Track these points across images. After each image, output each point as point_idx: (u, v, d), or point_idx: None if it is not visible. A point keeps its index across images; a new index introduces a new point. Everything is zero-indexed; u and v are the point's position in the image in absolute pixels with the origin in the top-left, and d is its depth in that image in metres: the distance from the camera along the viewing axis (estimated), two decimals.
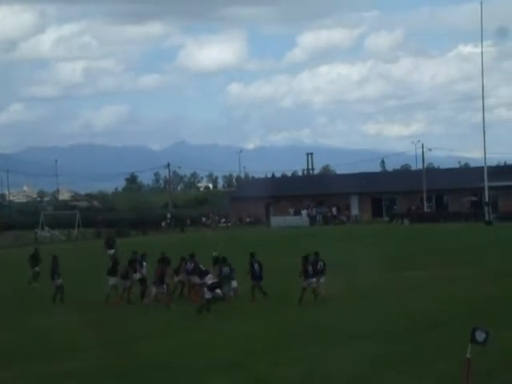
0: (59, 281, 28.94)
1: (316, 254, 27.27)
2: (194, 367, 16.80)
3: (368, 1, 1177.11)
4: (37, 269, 35.11)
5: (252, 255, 27.50)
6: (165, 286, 26.74)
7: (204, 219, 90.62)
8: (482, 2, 71.79)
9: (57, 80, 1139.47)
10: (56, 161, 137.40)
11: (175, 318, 24.13)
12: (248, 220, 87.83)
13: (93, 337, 21.33)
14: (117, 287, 28.06)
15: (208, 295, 24.61)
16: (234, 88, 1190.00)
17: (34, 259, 35.94)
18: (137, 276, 27.95)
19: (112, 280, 27.94)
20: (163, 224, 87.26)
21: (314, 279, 25.56)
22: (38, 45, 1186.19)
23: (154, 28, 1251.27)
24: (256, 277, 26.76)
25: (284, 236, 61.66)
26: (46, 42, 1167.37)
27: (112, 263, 28.79)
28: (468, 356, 11.43)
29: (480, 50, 72.98)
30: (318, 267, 26.50)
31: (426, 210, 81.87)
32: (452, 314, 21.90)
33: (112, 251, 40.55)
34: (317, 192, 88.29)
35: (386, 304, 24.76)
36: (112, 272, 28.24)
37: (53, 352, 19.45)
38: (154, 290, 26.68)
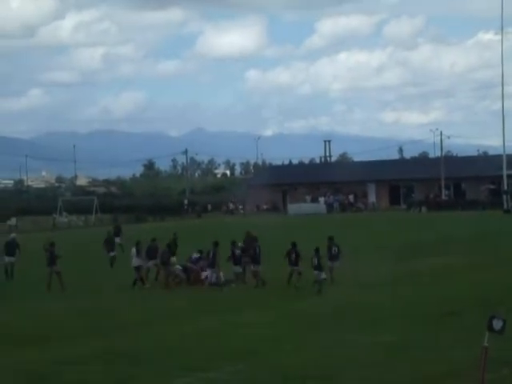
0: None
1: (330, 238, 27.42)
2: (208, 352, 16.78)
3: None
4: (112, 253, 35.32)
5: (232, 243, 27.97)
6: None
7: (231, 205, 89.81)
8: None
9: (76, 66, 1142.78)
10: (74, 146, 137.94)
11: (187, 304, 24.13)
12: (265, 207, 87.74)
13: (106, 320, 21.40)
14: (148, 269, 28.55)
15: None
16: (253, 74, 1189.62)
17: (109, 243, 36.02)
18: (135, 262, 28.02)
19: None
20: (185, 205, 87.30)
21: (321, 271, 25.08)
22: (57, 31, 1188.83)
23: (173, 14, 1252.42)
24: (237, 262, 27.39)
25: (301, 223, 61.51)
26: (65, 27, 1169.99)
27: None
28: (485, 344, 11.32)
29: (500, 37, 72.39)
30: (333, 252, 26.71)
31: (443, 197, 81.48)
32: (469, 302, 21.74)
33: (118, 239, 40.77)
34: (334, 179, 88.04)
35: (402, 291, 24.64)
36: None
37: (63, 335, 19.49)
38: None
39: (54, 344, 18.40)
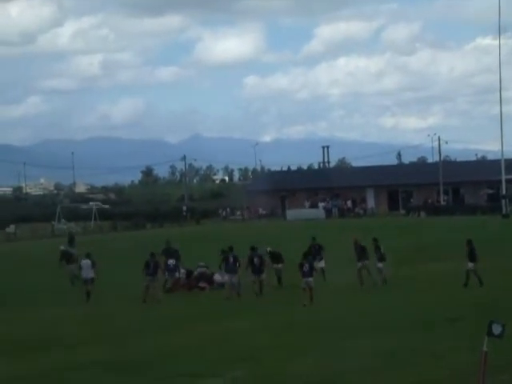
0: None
1: (375, 240, 28.57)
2: (206, 359, 16.76)
3: None
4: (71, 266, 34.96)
5: (252, 249, 27.35)
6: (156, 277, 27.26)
7: (221, 211, 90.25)
8: None
9: (75, 73, 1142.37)
10: (72, 153, 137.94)
11: (183, 311, 24.13)
12: (263, 213, 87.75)
13: (105, 328, 21.39)
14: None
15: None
16: (251, 81, 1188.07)
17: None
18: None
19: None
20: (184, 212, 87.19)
21: (311, 278, 24.38)
22: (56, 38, 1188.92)
23: (172, 21, 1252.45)
24: (256, 271, 26.65)
25: (301, 228, 61.49)
26: (64, 34, 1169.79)
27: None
28: (485, 349, 11.31)
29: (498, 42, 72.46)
30: (382, 252, 27.70)
31: (442, 202, 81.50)
32: (469, 307, 21.74)
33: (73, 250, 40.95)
34: (332, 185, 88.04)
35: (402, 296, 24.67)
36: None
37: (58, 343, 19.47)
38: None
39: (54, 351, 18.40)
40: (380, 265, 27.90)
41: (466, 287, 25.96)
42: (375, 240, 28.69)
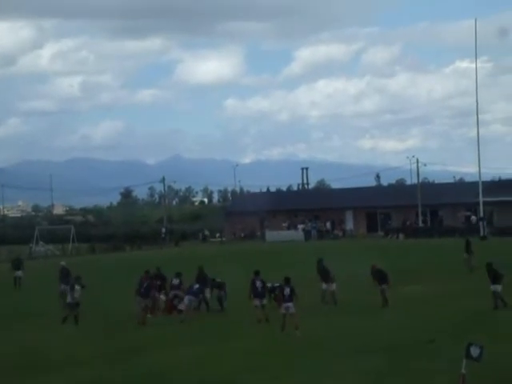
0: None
1: (320, 260, 29.81)
2: (189, 382, 16.72)
3: (365, 16, 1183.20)
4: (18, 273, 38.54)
5: (256, 273, 26.85)
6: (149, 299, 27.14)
7: (200, 234, 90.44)
8: (476, 19, 72.53)
9: (54, 94, 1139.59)
10: (51, 175, 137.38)
11: (168, 332, 24.06)
12: (243, 235, 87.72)
13: (88, 350, 21.28)
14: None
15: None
16: (231, 102, 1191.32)
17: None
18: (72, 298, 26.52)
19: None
20: (163, 234, 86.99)
21: (291, 303, 23.25)
22: (36, 60, 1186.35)
23: (152, 43, 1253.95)
24: (259, 295, 25.94)
25: (279, 250, 61.55)
26: (44, 56, 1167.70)
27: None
28: (463, 371, 11.40)
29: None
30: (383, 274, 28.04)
31: (420, 224, 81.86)
32: (449, 329, 21.87)
33: (19, 272, 41.43)
34: (312, 207, 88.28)
35: (383, 318, 24.73)
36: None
37: (50, 365, 19.34)
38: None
39: (41, 374, 18.30)
40: (333, 286, 28.69)
41: (447, 309, 26.09)
42: (320, 260, 29.98)
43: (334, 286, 29.07)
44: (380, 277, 28.15)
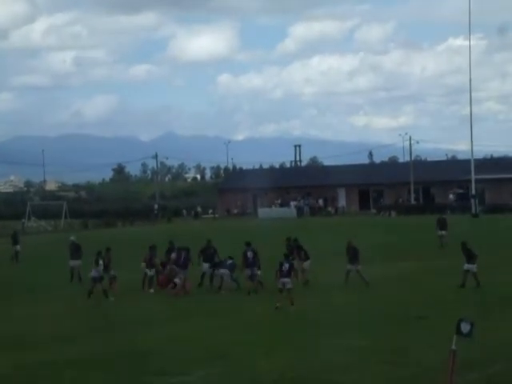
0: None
1: (295, 240, 28.68)
2: (181, 357, 16.82)
3: None
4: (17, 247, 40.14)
5: (247, 244, 27.44)
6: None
7: (188, 210, 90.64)
8: None
9: (47, 69, 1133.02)
10: (43, 151, 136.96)
11: (161, 308, 24.13)
12: (235, 211, 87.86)
13: (78, 325, 21.36)
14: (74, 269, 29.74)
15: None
16: (225, 79, 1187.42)
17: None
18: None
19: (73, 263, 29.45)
20: (155, 210, 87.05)
21: (288, 279, 23.35)
22: (28, 34, 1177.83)
23: (146, 18, 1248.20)
24: (250, 264, 26.52)
25: (272, 227, 61.69)
26: (37, 31, 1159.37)
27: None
28: (453, 347, 11.48)
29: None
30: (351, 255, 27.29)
31: (412, 202, 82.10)
32: (439, 306, 22.00)
33: (18, 247, 41.72)
34: (304, 184, 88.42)
35: (374, 294, 24.86)
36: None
37: (38, 341, 19.42)
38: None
39: (29, 349, 18.36)
40: (305, 264, 27.77)
41: (438, 285, 26.23)
42: (295, 240, 28.68)
43: (306, 265, 27.97)
44: (353, 255, 27.37)
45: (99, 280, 26.26)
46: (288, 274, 23.35)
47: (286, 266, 23.50)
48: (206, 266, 28.20)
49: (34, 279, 32.82)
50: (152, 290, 27.43)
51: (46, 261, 39.59)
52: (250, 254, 26.66)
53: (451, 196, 78.16)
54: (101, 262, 26.42)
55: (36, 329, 21.35)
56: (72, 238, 33.03)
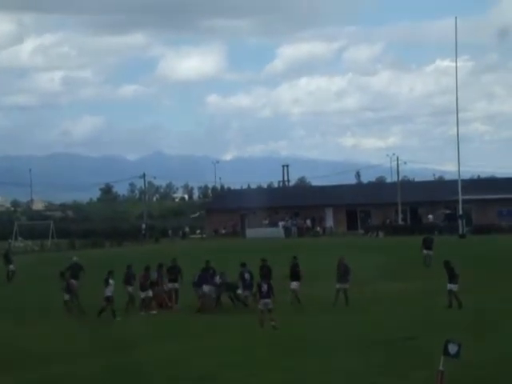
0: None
1: (294, 257, 28.61)
2: (169, 378, 16.74)
3: (347, 14, 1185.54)
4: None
5: (243, 265, 27.46)
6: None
7: (170, 232, 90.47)
8: (456, 18, 72.89)
9: (35, 89, 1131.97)
10: (30, 170, 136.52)
11: (150, 328, 24.05)
12: (223, 231, 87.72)
13: (68, 346, 21.25)
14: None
15: None
16: (213, 99, 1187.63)
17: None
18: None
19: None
20: (143, 230, 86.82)
21: (269, 300, 23.17)
22: (16, 54, 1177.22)
23: (134, 39, 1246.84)
24: (247, 286, 26.82)
25: (260, 247, 61.60)
26: (25, 51, 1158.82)
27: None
28: (441, 368, 11.49)
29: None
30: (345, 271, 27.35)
31: (400, 222, 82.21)
32: (427, 326, 22.01)
33: (12, 266, 41.61)
34: (292, 204, 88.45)
35: (362, 315, 24.83)
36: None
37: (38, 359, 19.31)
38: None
39: (16, 369, 18.26)
40: (295, 284, 27.62)
41: (425, 306, 26.26)
42: (295, 258, 28.68)
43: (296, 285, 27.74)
44: (343, 272, 27.36)
45: (112, 299, 26.37)
46: (267, 295, 23.26)
47: (265, 286, 23.37)
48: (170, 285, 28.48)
49: (29, 298, 32.76)
50: (155, 312, 27.35)
51: (40, 280, 39.37)
52: (247, 276, 26.80)
53: (430, 216, 78.51)
54: (111, 281, 26.57)
55: (22, 350, 21.23)
56: (75, 258, 32.97)
